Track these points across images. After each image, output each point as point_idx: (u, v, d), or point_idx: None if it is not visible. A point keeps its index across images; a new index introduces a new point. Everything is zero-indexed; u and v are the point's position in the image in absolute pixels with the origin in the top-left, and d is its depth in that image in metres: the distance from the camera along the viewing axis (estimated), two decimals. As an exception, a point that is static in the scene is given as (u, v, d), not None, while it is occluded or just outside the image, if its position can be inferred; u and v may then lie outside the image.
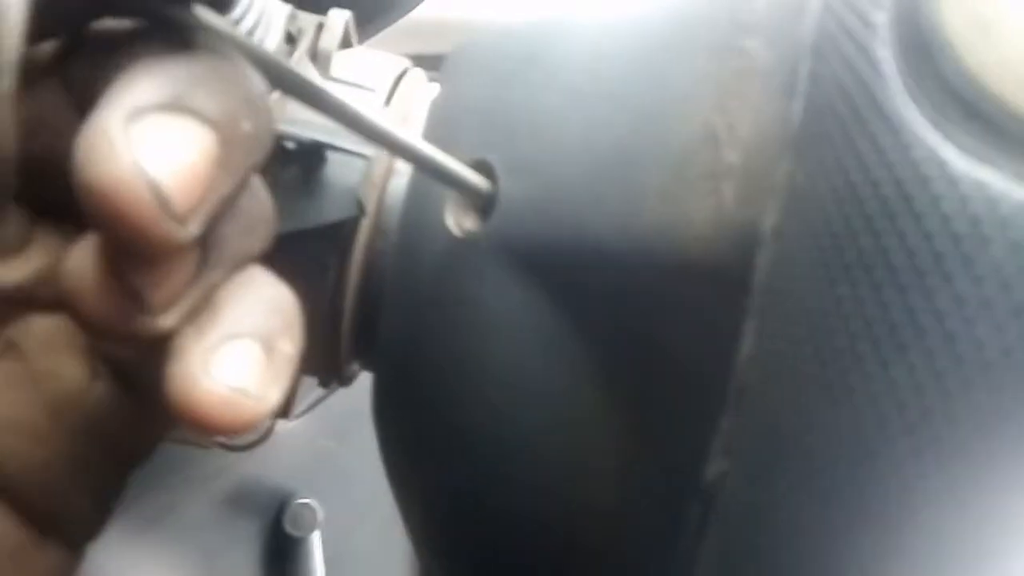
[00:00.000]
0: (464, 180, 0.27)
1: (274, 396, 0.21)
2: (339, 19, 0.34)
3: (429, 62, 0.38)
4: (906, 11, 0.20)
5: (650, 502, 0.26)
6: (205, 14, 0.21)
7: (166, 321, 0.21)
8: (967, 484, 0.19)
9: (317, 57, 0.34)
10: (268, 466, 0.67)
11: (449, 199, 0.30)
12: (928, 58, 0.19)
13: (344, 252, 0.33)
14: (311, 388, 0.44)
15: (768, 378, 0.22)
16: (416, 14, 0.55)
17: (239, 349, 0.21)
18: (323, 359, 0.35)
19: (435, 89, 0.35)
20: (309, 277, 0.33)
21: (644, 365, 0.26)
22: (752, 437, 0.23)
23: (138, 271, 0.20)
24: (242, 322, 0.22)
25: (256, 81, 0.21)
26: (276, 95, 0.31)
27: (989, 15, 0.18)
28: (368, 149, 0.32)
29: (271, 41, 0.32)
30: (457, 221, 0.30)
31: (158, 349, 0.21)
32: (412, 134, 0.26)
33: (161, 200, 0.18)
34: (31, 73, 0.20)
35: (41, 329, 0.23)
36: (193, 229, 0.19)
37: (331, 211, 0.32)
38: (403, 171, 0.33)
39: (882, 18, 0.20)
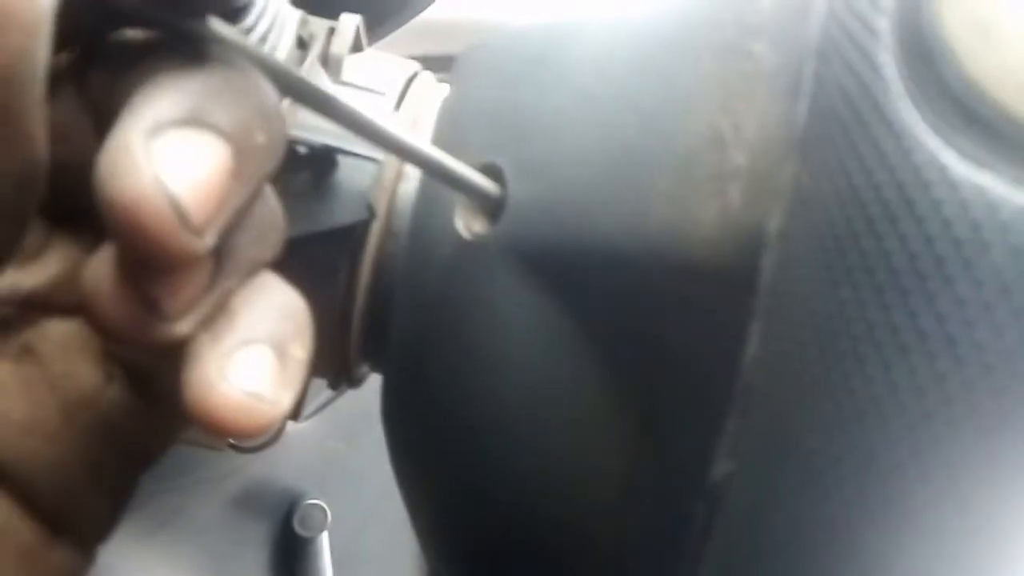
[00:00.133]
0: (473, 184, 0.28)
1: (287, 400, 0.22)
2: (350, 23, 0.34)
3: (439, 63, 0.38)
4: (907, 17, 0.20)
5: (656, 503, 0.26)
6: (218, 26, 0.21)
7: (182, 328, 0.21)
8: (968, 486, 0.19)
9: (328, 61, 0.34)
10: (278, 467, 0.67)
11: (459, 202, 0.30)
12: (929, 63, 0.19)
13: (354, 255, 0.33)
14: (320, 390, 0.44)
15: (773, 380, 0.22)
16: (427, 15, 0.55)
17: (254, 354, 0.21)
18: (333, 361, 0.35)
19: (445, 91, 0.35)
20: (320, 280, 0.33)
21: (651, 366, 0.26)
22: (757, 438, 0.23)
23: (154, 280, 0.20)
24: (256, 328, 0.22)
25: (269, 92, 0.22)
26: (287, 101, 0.32)
27: (989, 20, 0.19)
28: (378, 153, 0.32)
29: (283, 46, 0.33)
30: (467, 224, 0.30)
31: (173, 354, 0.21)
32: (422, 139, 0.26)
33: (180, 214, 0.18)
34: (49, 82, 0.20)
35: (57, 333, 0.24)
36: (209, 241, 0.20)
37: (342, 214, 0.32)
38: (413, 175, 0.33)
39: (884, 23, 0.20)
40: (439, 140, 0.33)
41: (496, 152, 0.29)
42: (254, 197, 0.22)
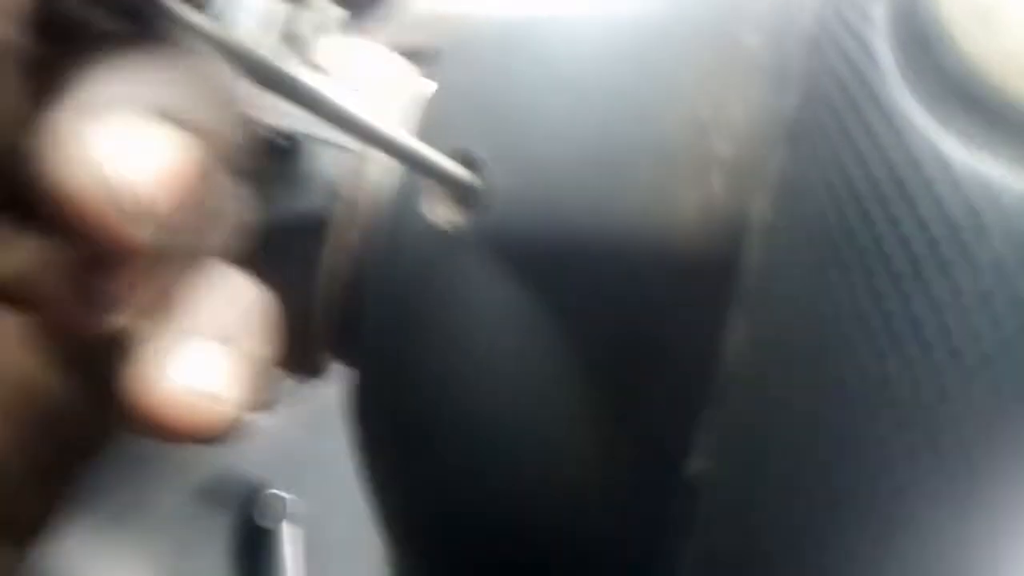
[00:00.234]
0: (446, 172, 0.27)
1: (235, 396, 0.21)
2: (323, 5, 0.34)
3: (423, 56, 0.37)
4: (904, 0, 0.19)
5: (635, 498, 0.26)
6: (172, 3, 0.20)
7: (119, 316, 0.20)
8: (964, 484, 0.19)
9: (296, 42, 0.33)
10: (238, 458, 0.66)
11: (434, 191, 0.30)
12: (926, 48, 0.19)
13: (324, 245, 0.32)
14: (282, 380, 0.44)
15: (757, 373, 0.22)
16: (410, 7, 0.55)
17: (196, 347, 0.21)
18: (302, 355, 0.35)
19: (421, 80, 0.35)
20: (288, 271, 0.32)
21: (631, 358, 0.26)
22: (740, 433, 0.23)
23: (93, 266, 0.20)
24: (200, 320, 0.21)
25: (225, 76, 0.21)
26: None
27: (989, 4, 0.18)
28: (350, 140, 0.31)
29: (244, 23, 0.32)
30: (442, 213, 0.29)
31: (114, 344, 0.20)
32: (394, 127, 0.25)
33: (126, 205, 0.18)
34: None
35: None
36: (156, 232, 0.19)
37: (312, 202, 0.31)
38: (386, 162, 0.33)
39: (879, 7, 0.20)
40: (420, 130, 0.32)
41: (474, 141, 0.29)
42: (208, 185, 0.21)
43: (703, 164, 0.23)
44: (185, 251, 0.21)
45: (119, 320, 0.20)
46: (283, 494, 0.66)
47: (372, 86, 0.34)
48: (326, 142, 0.31)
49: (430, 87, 0.33)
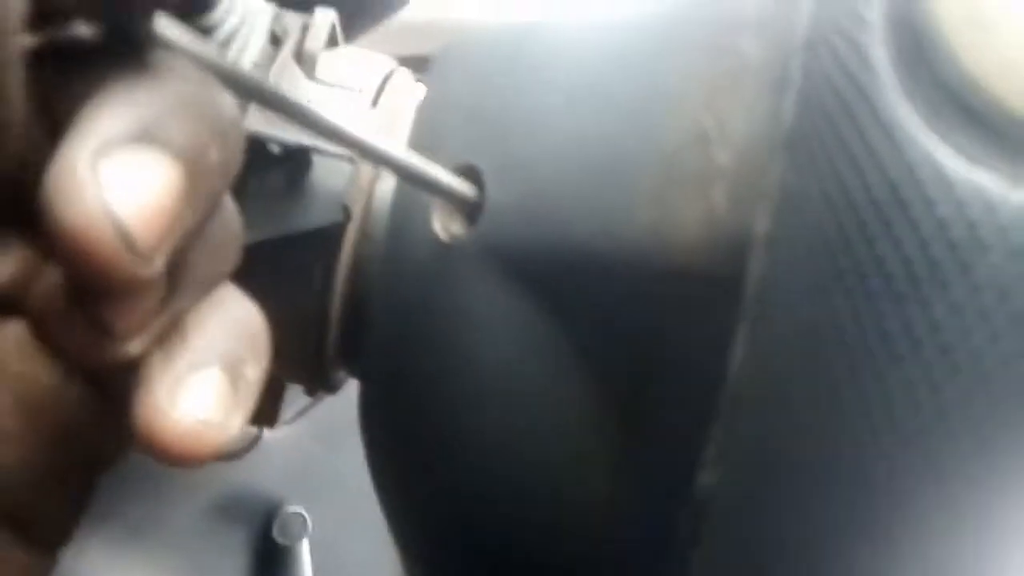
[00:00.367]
0: (448, 188, 0.27)
1: (236, 423, 0.21)
2: (325, 19, 0.34)
3: (416, 63, 0.37)
4: (900, 8, 0.19)
5: (642, 511, 0.26)
6: (173, 31, 0.20)
7: (133, 348, 0.21)
8: (964, 499, 0.19)
9: (303, 57, 0.33)
10: (257, 474, 0.66)
11: (436, 204, 0.30)
12: (923, 57, 0.19)
13: (330, 257, 0.32)
14: (299, 394, 0.44)
15: (760, 387, 0.22)
16: (403, 14, 0.55)
17: (205, 379, 0.21)
18: (310, 367, 0.35)
19: (422, 90, 0.35)
20: (295, 283, 0.33)
21: (634, 372, 0.25)
22: (744, 447, 0.22)
23: (104, 300, 0.20)
24: (210, 349, 0.22)
25: (226, 104, 0.21)
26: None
27: (988, 12, 0.18)
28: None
29: (255, 42, 0.32)
30: (444, 226, 0.29)
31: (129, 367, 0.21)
32: (394, 143, 0.25)
33: (128, 241, 0.18)
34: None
35: (14, 333, 0.23)
36: (159, 265, 0.19)
37: (317, 216, 0.31)
38: (390, 175, 0.33)
39: (876, 15, 0.20)
40: (416, 140, 0.32)
41: (474, 152, 0.29)
42: (209, 214, 0.21)
43: (705, 175, 0.23)
44: (190, 279, 0.22)
45: (129, 349, 0.21)
46: (302, 511, 0.66)
47: (372, 96, 0.34)
48: (332, 155, 0.31)
49: (428, 95, 0.33)
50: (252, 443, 0.59)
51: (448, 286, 0.29)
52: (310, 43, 0.33)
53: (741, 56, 0.23)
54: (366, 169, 0.32)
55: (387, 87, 0.34)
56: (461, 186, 0.27)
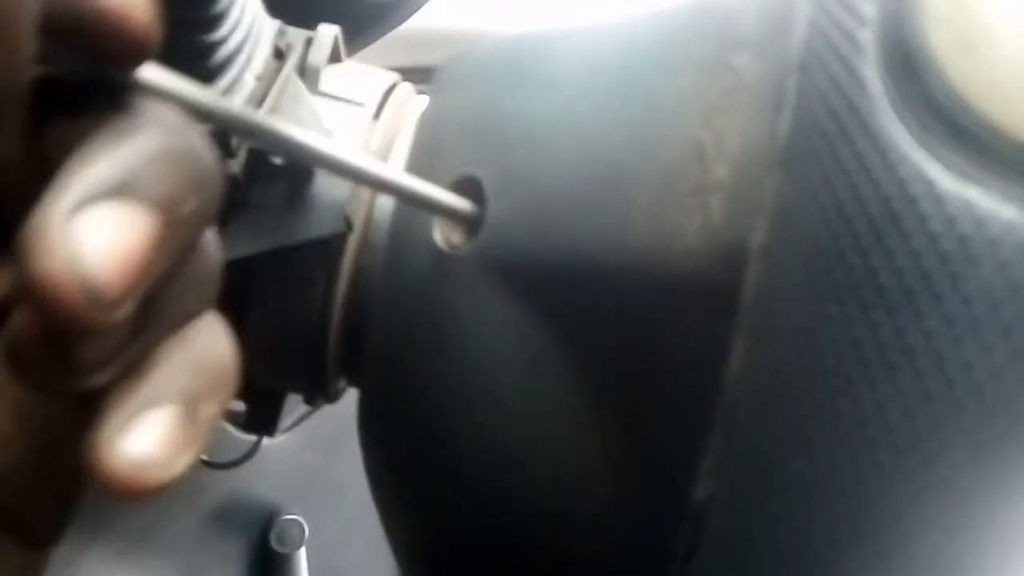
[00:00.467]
0: (449, 207, 0.27)
1: (183, 462, 0.21)
2: (328, 34, 0.34)
3: (418, 74, 0.37)
4: (891, 29, 0.19)
5: (639, 522, 0.26)
6: (160, 76, 0.21)
7: (96, 380, 0.21)
8: (959, 509, 0.19)
9: (306, 72, 0.34)
10: (254, 482, 0.66)
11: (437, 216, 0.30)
12: (914, 76, 0.19)
13: (331, 268, 0.32)
14: (298, 403, 0.44)
15: (757, 398, 0.22)
16: (406, 26, 0.55)
17: (157, 416, 0.21)
18: (309, 376, 0.35)
19: (424, 102, 0.35)
20: (296, 293, 0.33)
21: (632, 383, 0.26)
22: (741, 458, 0.23)
23: (70, 335, 0.20)
24: (168, 385, 0.22)
25: (205, 152, 0.21)
26: (267, 105, 0.31)
27: (975, 33, 0.18)
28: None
29: (259, 57, 0.32)
30: (445, 237, 0.29)
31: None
32: (392, 168, 0.25)
33: (92, 296, 0.18)
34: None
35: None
36: (126, 311, 0.19)
37: (319, 226, 0.32)
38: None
39: (868, 35, 0.20)
40: (418, 152, 0.32)
41: (475, 165, 0.29)
42: (184, 257, 0.22)
43: (702, 189, 0.23)
44: (161, 317, 0.22)
45: (94, 381, 0.21)
46: (300, 519, 0.66)
47: (374, 109, 0.34)
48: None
49: (430, 107, 0.34)
50: (250, 451, 0.59)
51: (448, 296, 0.29)
52: (313, 57, 0.34)
53: (738, 75, 0.23)
54: None
55: (389, 100, 0.35)
56: (460, 203, 0.28)
